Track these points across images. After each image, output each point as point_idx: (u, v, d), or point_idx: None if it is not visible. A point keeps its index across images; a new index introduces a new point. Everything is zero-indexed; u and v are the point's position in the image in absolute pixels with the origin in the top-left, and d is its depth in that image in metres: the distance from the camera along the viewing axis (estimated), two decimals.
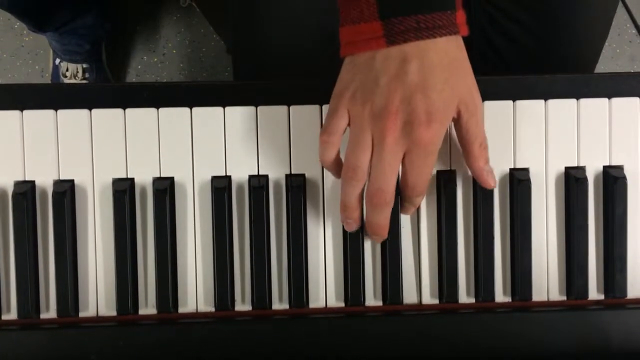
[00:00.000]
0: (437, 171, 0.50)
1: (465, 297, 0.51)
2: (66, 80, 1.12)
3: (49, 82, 1.14)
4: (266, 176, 0.50)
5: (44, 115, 0.49)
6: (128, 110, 0.49)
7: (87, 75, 1.12)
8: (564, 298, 0.51)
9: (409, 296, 0.50)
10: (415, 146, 0.44)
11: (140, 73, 1.18)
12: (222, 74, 1.18)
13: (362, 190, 0.46)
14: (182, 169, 0.50)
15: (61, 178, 0.50)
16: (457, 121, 0.46)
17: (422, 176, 0.45)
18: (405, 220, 0.50)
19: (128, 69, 1.18)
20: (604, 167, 0.51)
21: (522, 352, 0.50)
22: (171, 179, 0.50)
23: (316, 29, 0.61)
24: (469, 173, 0.50)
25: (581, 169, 0.51)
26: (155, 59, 1.18)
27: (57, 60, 1.12)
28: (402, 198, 0.48)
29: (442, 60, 0.43)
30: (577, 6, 0.63)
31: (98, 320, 0.50)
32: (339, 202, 0.47)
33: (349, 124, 0.45)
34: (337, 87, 0.46)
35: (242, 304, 0.50)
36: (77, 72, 1.11)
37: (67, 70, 1.11)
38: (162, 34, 1.18)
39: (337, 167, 0.47)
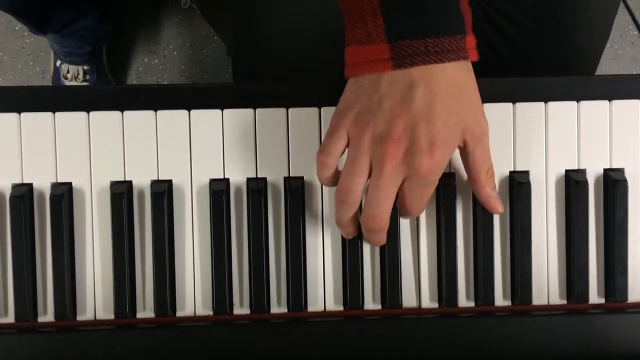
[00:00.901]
0: None
1: (464, 300, 0.50)
2: (67, 82, 1.12)
3: (50, 83, 1.14)
4: (264, 179, 0.50)
5: (42, 118, 0.49)
6: (126, 112, 0.49)
7: (87, 77, 1.12)
8: (564, 302, 0.51)
9: (408, 300, 0.50)
10: (415, 175, 0.43)
11: (140, 75, 1.18)
12: (223, 75, 1.18)
13: (356, 210, 0.45)
14: (180, 171, 0.50)
15: (59, 181, 0.49)
16: (464, 149, 0.45)
17: (419, 204, 0.45)
18: (404, 223, 0.50)
19: (129, 71, 1.18)
20: (605, 169, 0.51)
21: (522, 357, 0.50)
22: (169, 182, 0.50)
23: (316, 31, 0.60)
24: None
25: (582, 172, 0.50)
26: (156, 61, 1.18)
27: (58, 62, 1.12)
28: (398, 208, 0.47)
29: (449, 87, 0.42)
30: (577, 8, 0.63)
31: (96, 323, 0.49)
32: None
33: (347, 146, 0.44)
34: (339, 107, 0.45)
35: (241, 308, 0.50)
36: (78, 73, 1.11)
37: (67, 72, 1.11)
38: (162, 36, 1.18)
39: (334, 183, 0.46)
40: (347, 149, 0.45)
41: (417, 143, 0.42)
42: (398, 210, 0.47)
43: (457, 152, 0.49)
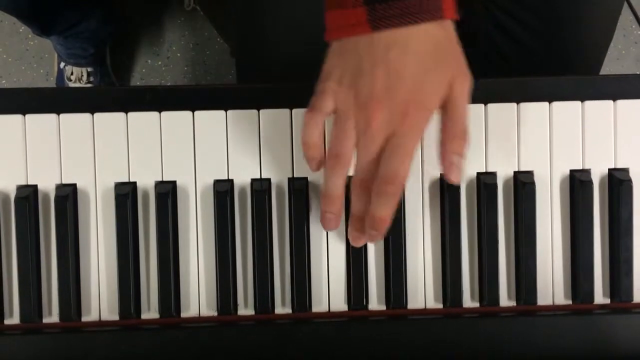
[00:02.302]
0: (441, 174, 0.50)
1: (469, 301, 0.50)
2: (71, 84, 1.12)
3: (54, 85, 1.15)
4: (268, 180, 0.50)
5: (46, 119, 0.49)
6: (130, 114, 0.49)
7: (91, 78, 1.12)
8: (570, 302, 0.50)
9: (413, 300, 0.50)
10: (398, 132, 0.43)
11: (144, 76, 1.18)
12: (226, 77, 1.18)
13: (345, 180, 0.46)
14: (184, 172, 0.50)
15: (63, 182, 0.50)
16: (443, 106, 0.45)
17: (403, 163, 0.44)
18: (409, 223, 0.50)
19: (132, 73, 1.19)
20: (610, 169, 0.50)
21: (527, 357, 0.49)
22: (173, 183, 0.50)
23: (319, 32, 0.60)
24: (473, 176, 0.50)
25: (586, 172, 0.50)
26: (160, 62, 1.18)
27: (62, 64, 1.12)
28: (374, 190, 0.44)
29: (427, 47, 0.43)
30: (581, 7, 0.63)
31: (101, 324, 0.50)
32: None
33: (333, 111, 0.45)
34: (323, 72, 0.46)
35: (245, 308, 0.50)
36: (82, 75, 1.11)
37: (71, 73, 1.12)
38: (166, 38, 1.18)
39: (319, 155, 0.46)
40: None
41: (397, 101, 0.43)
42: (378, 178, 0.44)
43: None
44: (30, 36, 1.17)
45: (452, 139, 0.45)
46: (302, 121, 0.46)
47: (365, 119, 0.44)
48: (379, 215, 0.45)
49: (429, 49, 0.43)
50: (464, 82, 0.45)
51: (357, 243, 0.48)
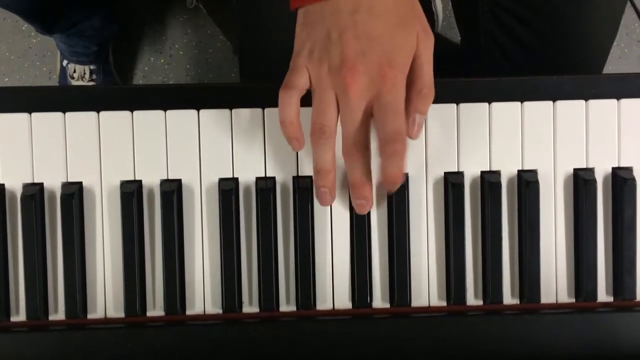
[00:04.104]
0: (445, 172, 0.50)
1: (473, 299, 0.50)
2: (74, 82, 1.12)
3: (57, 83, 1.15)
4: (273, 178, 0.50)
5: (52, 118, 0.49)
6: (135, 112, 0.50)
7: (94, 76, 1.12)
8: (573, 300, 0.51)
9: (417, 298, 0.50)
10: (381, 92, 0.43)
11: (147, 74, 1.18)
12: (228, 75, 1.18)
13: (334, 151, 0.45)
14: (189, 171, 0.50)
15: (69, 180, 0.50)
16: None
17: (399, 115, 0.44)
18: (413, 221, 0.50)
19: (135, 71, 1.19)
20: (613, 168, 0.51)
21: (531, 355, 0.50)
22: (178, 181, 0.50)
23: None
24: (477, 174, 0.50)
25: (590, 171, 0.50)
26: (162, 60, 1.19)
27: (65, 62, 1.12)
28: (383, 150, 0.45)
29: (391, 6, 0.43)
30: (584, 6, 0.63)
31: (106, 322, 0.50)
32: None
33: (309, 87, 0.45)
34: (295, 47, 0.46)
35: (250, 306, 0.50)
36: (85, 73, 1.11)
37: (74, 71, 1.12)
38: (168, 36, 1.18)
39: (298, 133, 0.46)
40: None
41: (371, 63, 0.43)
42: (384, 139, 0.44)
43: (464, 152, 0.49)
44: (33, 34, 1.17)
45: (417, 97, 0.45)
46: (279, 101, 0.45)
47: (342, 87, 0.43)
48: (393, 173, 0.45)
49: (393, 8, 0.43)
50: (428, 40, 0.45)
51: (363, 210, 0.47)
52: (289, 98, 0.45)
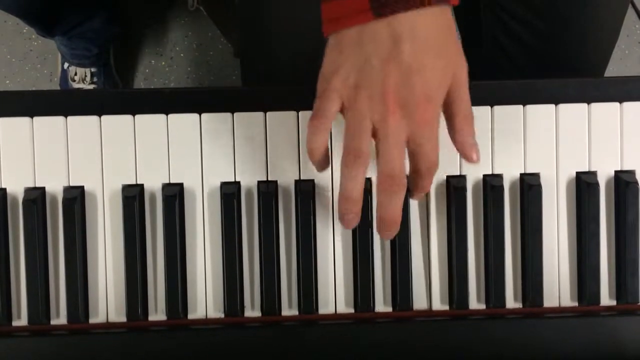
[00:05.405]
0: (447, 176, 0.50)
1: (475, 303, 0.50)
2: (74, 85, 1.12)
3: (58, 86, 1.15)
4: (275, 182, 0.50)
5: (54, 122, 0.49)
6: (137, 116, 0.50)
7: (95, 79, 1.12)
8: (576, 304, 0.51)
9: (419, 302, 0.50)
10: (419, 127, 0.43)
11: (148, 77, 1.18)
12: (229, 77, 1.18)
13: (364, 179, 0.44)
14: (191, 174, 0.50)
15: (71, 184, 0.50)
16: (447, 93, 0.44)
17: (434, 151, 0.44)
18: (415, 225, 0.50)
19: (136, 73, 1.19)
20: (616, 171, 0.50)
21: (534, 359, 0.49)
22: (180, 185, 0.50)
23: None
24: (479, 178, 0.50)
25: (592, 174, 0.50)
26: (163, 63, 1.19)
27: (66, 65, 1.12)
28: (412, 185, 0.46)
29: (432, 33, 0.42)
30: (586, 8, 0.63)
31: (108, 326, 0.50)
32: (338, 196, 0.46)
33: (340, 110, 0.44)
34: (324, 69, 0.44)
35: (252, 310, 0.50)
36: (86, 76, 1.11)
37: (75, 74, 1.12)
38: (169, 38, 1.18)
39: (325, 157, 0.45)
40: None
41: (413, 96, 0.42)
42: (417, 173, 0.45)
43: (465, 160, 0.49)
44: (33, 37, 1.17)
45: (465, 123, 0.44)
46: (307, 127, 0.44)
47: (382, 115, 0.42)
48: (423, 192, 0.47)
49: (435, 36, 0.42)
50: (465, 65, 0.45)
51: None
52: (321, 127, 0.44)
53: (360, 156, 0.43)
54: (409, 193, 0.47)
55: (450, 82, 0.44)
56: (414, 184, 0.46)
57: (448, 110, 0.44)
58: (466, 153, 0.45)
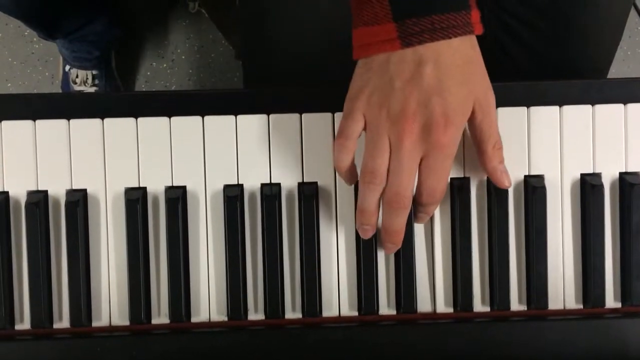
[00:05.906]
0: (451, 178, 0.50)
1: (480, 305, 0.50)
2: (76, 87, 1.12)
3: (59, 88, 1.15)
4: (278, 184, 0.50)
5: (56, 125, 0.49)
6: (140, 119, 0.49)
7: (96, 81, 1.12)
8: (581, 306, 0.50)
9: (423, 305, 0.50)
10: (433, 149, 0.44)
11: (149, 79, 1.18)
12: (231, 79, 1.18)
13: (380, 195, 0.45)
14: (194, 177, 0.50)
15: (74, 187, 0.50)
16: (471, 121, 0.45)
17: (441, 181, 0.45)
18: (419, 228, 0.50)
19: (137, 75, 1.19)
20: (620, 173, 0.50)
21: None
22: (183, 188, 0.50)
23: (326, 35, 0.60)
24: (483, 180, 0.50)
25: (597, 176, 0.50)
26: (165, 65, 1.19)
27: (67, 67, 1.12)
28: (416, 207, 0.47)
29: (457, 61, 0.43)
30: (589, 10, 0.63)
31: (111, 329, 0.50)
32: (355, 209, 0.47)
33: (364, 129, 0.45)
34: (351, 90, 0.45)
35: (255, 313, 0.50)
36: (87, 78, 1.11)
37: (77, 76, 1.12)
38: (171, 40, 1.18)
39: (351, 174, 0.47)
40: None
41: (431, 117, 0.43)
42: (416, 202, 0.46)
43: (471, 157, 0.49)
44: (35, 39, 1.17)
45: (494, 151, 0.46)
46: (334, 145, 0.45)
47: (397, 134, 0.43)
48: (425, 216, 0.48)
49: (460, 64, 0.43)
50: (491, 97, 0.46)
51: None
52: (347, 145, 0.45)
53: (376, 176, 0.44)
54: (414, 217, 0.48)
55: (473, 109, 0.45)
56: (416, 208, 0.47)
57: (477, 137, 0.46)
58: (498, 179, 0.47)
